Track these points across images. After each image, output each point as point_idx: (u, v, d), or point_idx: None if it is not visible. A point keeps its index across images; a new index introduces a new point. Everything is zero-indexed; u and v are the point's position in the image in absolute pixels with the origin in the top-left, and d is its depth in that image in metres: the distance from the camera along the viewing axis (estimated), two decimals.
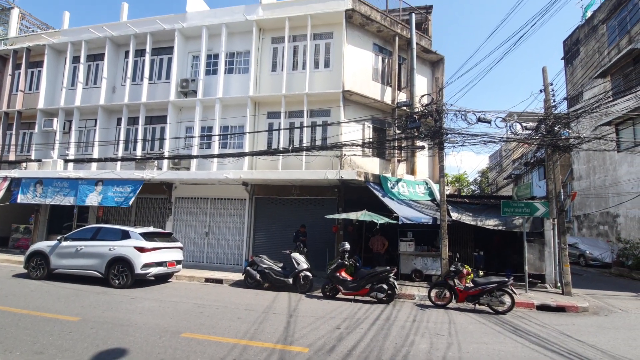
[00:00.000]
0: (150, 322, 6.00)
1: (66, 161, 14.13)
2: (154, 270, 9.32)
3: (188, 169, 13.26)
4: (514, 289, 7.88)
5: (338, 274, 8.71)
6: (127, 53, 15.12)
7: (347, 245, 9.06)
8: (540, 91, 10.48)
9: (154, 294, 8.53)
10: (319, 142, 12.66)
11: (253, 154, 12.43)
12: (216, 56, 14.01)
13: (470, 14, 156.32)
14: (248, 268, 9.89)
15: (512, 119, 10.36)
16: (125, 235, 9.49)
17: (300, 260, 9.57)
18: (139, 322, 5.97)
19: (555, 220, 10.46)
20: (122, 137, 14.41)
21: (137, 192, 12.89)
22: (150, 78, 14.69)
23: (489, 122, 9.72)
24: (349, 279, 8.67)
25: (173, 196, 14.24)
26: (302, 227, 12.06)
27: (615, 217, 18.19)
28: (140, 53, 14.89)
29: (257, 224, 13.43)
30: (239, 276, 10.53)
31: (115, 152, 14.44)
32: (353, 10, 12.46)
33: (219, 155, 12.57)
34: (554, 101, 10.37)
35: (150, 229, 10.29)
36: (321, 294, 8.95)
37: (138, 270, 8.95)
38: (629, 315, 7.90)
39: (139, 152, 14.00)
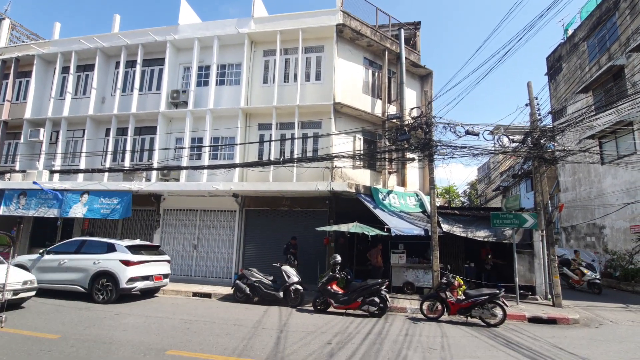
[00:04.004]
0: (134, 339, 5.77)
1: (52, 172, 13.82)
2: (139, 285, 9.05)
3: (177, 180, 13.09)
4: (505, 301, 7.86)
5: (329, 287, 8.58)
6: (117, 64, 15.05)
7: (339, 258, 8.96)
8: (526, 105, 10.74)
9: (139, 309, 8.25)
10: (310, 154, 12.66)
11: (244, 165, 12.36)
12: (207, 68, 14.04)
13: (457, 31, 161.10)
14: (237, 282, 9.68)
15: (500, 132, 10.54)
16: (111, 248, 9.24)
17: (291, 273, 9.42)
18: (122, 339, 5.74)
19: (544, 231, 10.56)
20: (110, 147, 14.18)
21: (129, 204, 12.67)
22: (141, 89, 14.60)
23: (477, 134, 9.86)
24: (340, 292, 8.54)
25: (161, 208, 13.99)
26: (292, 239, 11.93)
27: (601, 229, 18.50)
28: (131, 64, 14.83)
29: (247, 236, 13.25)
30: (228, 290, 10.30)
31: (103, 163, 14.19)
32: (344, 25, 12.68)
33: (209, 167, 12.46)
34: (539, 115, 10.62)
35: (137, 242, 10.05)
36: (312, 308, 8.79)
37: (123, 284, 8.68)
38: (619, 327, 7.93)
39: (127, 163, 13.78)
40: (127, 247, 9.23)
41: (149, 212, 14.18)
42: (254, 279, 9.51)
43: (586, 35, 19.36)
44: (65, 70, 15.33)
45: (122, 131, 14.42)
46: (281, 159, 11.56)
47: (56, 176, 13.90)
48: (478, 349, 5.93)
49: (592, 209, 18.72)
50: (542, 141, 10.11)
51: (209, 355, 5.13)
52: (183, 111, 13.61)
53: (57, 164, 14.28)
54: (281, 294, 9.24)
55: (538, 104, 10.67)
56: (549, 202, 10.85)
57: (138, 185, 12.75)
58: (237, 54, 13.75)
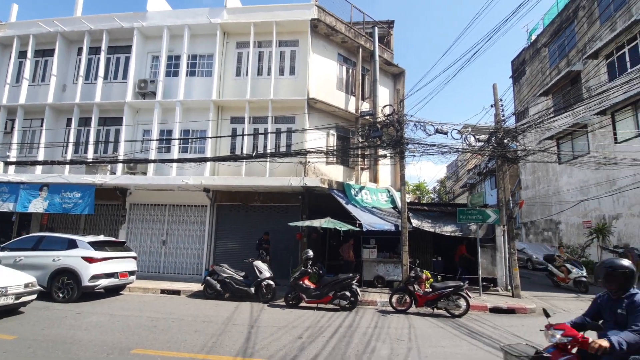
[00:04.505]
0: (97, 338, 5.55)
1: (6, 163, 12.89)
2: (103, 282, 8.68)
3: (145, 173, 12.61)
4: (469, 293, 8.25)
5: (301, 282, 8.64)
6: (80, 50, 14.21)
7: (311, 253, 9.03)
8: (491, 106, 11.23)
9: (103, 307, 7.93)
10: (283, 149, 12.61)
11: (215, 159, 12.11)
12: (177, 58, 13.56)
13: (428, 32, 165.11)
14: (208, 278, 9.52)
15: (467, 131, 10.97)
16: (72, 245, 8.79)
17: (263, 269, 9.38)
18: (84, 339, 5.51)
19: (505, 226, 11.14)
20: (72, 138, 13.41)
21: (92, 198, 12.08)
22: (106, 77, 13.89)
23: (445, 133, 10.22)
24: (312, 287, 8.62)
25: (127, 202, 13.45)
26: (265, 234, 11.87)
27: (557, 224, 19.77)
28: (95, 51, 14.04)
29: (218, 231, 13.03)
30: (198, 287, 10.10)
31: (64, 154, 13.40)
32: (318, 20, 12.65)
33: (179, 160, 12.08)
34: (504, 116, 11.15)
35: (101, 238, 9.62)
36: (284, 303, 8.81)
37: (86, 282, 8.30)
38: (570, 315, 8.53)
39: (90, 155, 13.10)
40: (89, 243, 8.82)
41: (114, 206, 13.59)
42: (225, 275, 9.39)
43: (548, 41, 20.47)
44: (22, 54, 14.27)
45: (84, 121, 13.66)
46: (254, 154, 11.43)
47: (11, 168, 12.99)
48: (443, 339, 6.20)
49: (549, 206, 19.96)
50: (505, 141, 10.63)
51: (177, 353, 5.03)
52: (151, 102, 13.09)
53: (13, 155, 13.34)
54: (253, 289, 9.19)
55: (502, 106, 11.19)
56: (511, 199, 11.45)
57: (102, 178, 12.17)
58: (209, 44, 13.37)
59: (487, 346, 5.77)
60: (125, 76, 13.76)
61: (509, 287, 10.82)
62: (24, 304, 6.98)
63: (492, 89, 11.44)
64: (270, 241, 11.92)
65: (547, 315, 3.10)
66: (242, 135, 12.63)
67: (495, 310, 8.82)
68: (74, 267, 8.39)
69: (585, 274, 11.70)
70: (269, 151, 12.17)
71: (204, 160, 11.95)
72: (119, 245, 9.94)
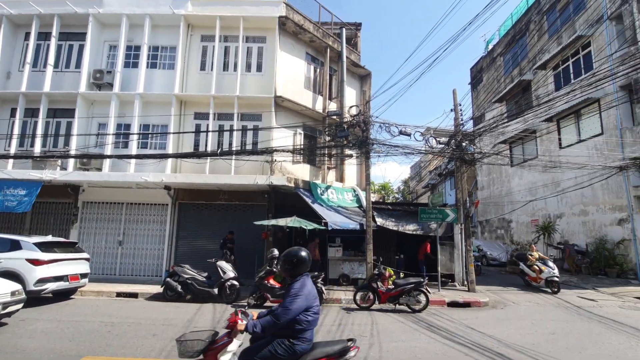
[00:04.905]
0: (43, 346, 5.16)
1: None
2: (51, 286, 8.08)
3: (99, 169, 11.88)
4: (428, 289, 8.60)
5: (266, 282, 8.56)
6: (27, 35, 13.06)
7: (276, 252, 8.96)
8: (451, 110, 11.79)
9: (51, 313, 7.38)
10: (249, 147, 12.41)
11: (177, 156, 11.64)
12: (137, 48, 12.89)
13: (394, 36, 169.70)
14: (168, 279, 9.15)
15: (429, 134, 11.42)
16: (15, 246, 8.10)
17: (227, 269, 9.19)
18: (28, 347, 5.10)
19: (463, 225, 11.74)
20: (17, 130, 12.30)
21: (35, 195, 11.14)
22: (56, 66, 12.90)
23: (409, 135, 10.58)
24: (277, 286, 8.57)
25: (80, 200, 12.60)
26: (229, 233, 11.63)
27: (509, 223, 21.14)
28: (44, 36, 12.98)
29: (180, 231, 12.57)
30: (158, 289, 9.68)
31: (7, 147, 12.26)
32: (286, 18, 12.58)
33: (138, 156, 11.49)
34: (462, 120, 11.73)
35: (49, 238, 8.94)
36: (248, 303, 8.68)
37: (31, 286, 7.68)
38: (519, 307, 9.17)
39: (37, 149, 12.09)
40: (35, 244, 8.16)
41: (65, 204, 12.68)
42: (187, 276, 9.09)
43: (503, 51, 21.80)
44: None
45: (31, 112, 12.58)
46: (219, 151, 11.14)
47: None
48: (403, 333, 6.42)
49: (502, 205, 21.29)
50: (463, 144, 11.20)
51: (132, 358, 4.80)
52: (108, 94, 12.34)
53: None
54: (216, 290, 8.97)
55: (461, 110, 11.77)
56: (468, 199, 12.08)
57: (51, 174, 11.30)
58: (172, 36, 12.84)
59: (444, 339, 6.06)
60: (78, 65, 12.85)
61: (465, 282, 11.40)
62: (10, 314, 6.31)
63: (452, 94, 12.02)
64: (235, 240, 11.70)
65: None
66: (207, 131, 12.26)
67: (453, 304, 9.27)
68: (18, 270, 7.73)
69: (557, 274, 11.05)
70: (234, 149, 11.91)
71: (165, 156, 11.45)
72: (70, 246, 9.29)
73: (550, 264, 11.42)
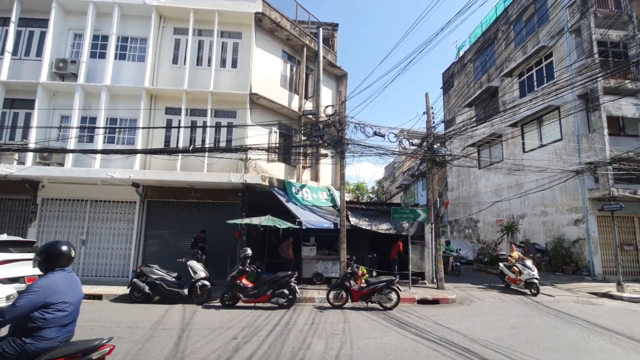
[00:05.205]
0: None
1: None
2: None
3: (61, 164, 11.23)
4: (399, 287, 8.81)
5: (238, 281, 8.44)
6: None
7: (249, 251, 8.86)
8: (424, 113, 12.13)
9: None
10: (223, 144, 12.18)
11: (147, 151, 11.23)
12: (105, 38, 12.30)
13: (370, 38, 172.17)
14: (135, 280, 8.82)
15: (403, 135, 11.69)
16: None
17: (198, 269, 8.97)
18: None
19: (433, 224, 12.11)
20: None
21: None
22: (15, 53, 12.06)
23: (383, 136, 10.77)
24: (249, 286, 8.47)
25: (39, 197, 11.86)
26: (201, 232, 11.36)
27: (476, 222, 22.03)
28: (2, 22, 12.14)
29: (149, 230, 12.13)
30: (124, 290, 9.29)
31: None
32: (263, 14, 12.44)
33: (104, 151, 10.96)
34: (434, 123, 12.10)
35: (4, 237, 8.34)
36: (220, 304, 8.52)
37: None
38: (484, 303, 9.59)
39: None
40: None
41: (22, 201, 11.90)
42: (155, 276, 8.79)
43: (473, 57, 22.66)
44: None
45: None
46: (191, 148, 10.84)
47: None
48: (374, 330, 6.54)
49: (470, 206, 22.15)
50: (435, 146, 11.54)
51: None
52: (72, 85, 11.68)
53: None
54: (186, 290, 8.74)
55: (433, 113, 12.13)
56: (438, 199, 12.47)
57: (7, 169, 10.56)
58: (143, 27, 12.35)
59: (413, 335, 6.23)
60: (40, 54, 12.08)
61: (435, 280, 11.77)
62: None
63: (425, 97, 12.35)
64: (207, 240, 11.45)
65: None
66: (178, 127, 11.90)
67: (423, 301, 9.55)
68: None
69: (536, 276, 10.59)
70: (207, 145, 11.63)
71: (133, 152, 11.01)
72: (27, 246, 8.70)
73: (530, 264, 10.93)
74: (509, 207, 18.48)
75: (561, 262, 14.50)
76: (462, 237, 23.65)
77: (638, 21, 14.12)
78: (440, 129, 15.81)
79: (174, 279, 8.95)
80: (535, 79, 16.92)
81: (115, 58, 12.21)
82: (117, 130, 12.20)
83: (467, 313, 8.32)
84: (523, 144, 17.53)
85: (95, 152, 10.86)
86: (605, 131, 13.21)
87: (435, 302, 9.56)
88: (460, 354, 5.23)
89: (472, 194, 22.07)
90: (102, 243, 11.93)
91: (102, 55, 12.26)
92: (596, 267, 13.56)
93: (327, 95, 15.25)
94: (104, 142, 11.73)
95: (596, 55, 13.28)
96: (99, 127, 11.47)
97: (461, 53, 24.38)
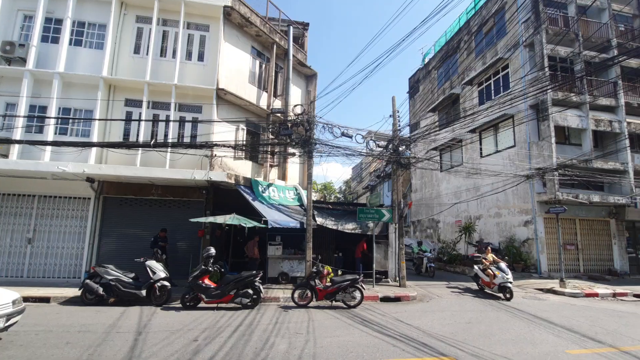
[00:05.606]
0: None
1: None
2: None
3: (6, 156, 10.32)
4: (363, 285, 9.00)
5: (201, 282, 8.20)
6: None
7: (212, 251, 8.64)
8: (390, 116, 12.46)
9: None
10: (187, 139, 11.77)
11: (104, 145, 10.58)
12: (59, 22, 11.46)
13: (339, 39, 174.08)
14: (87, 281, 8.29)
15: (370, 137, 11.94)
16: None
17: (157, 269, 8.61)
18: None
19: (397, 224, 12.48)
20: None
21: None
22: None
23: (350, 137, 10.94)
24: (212, 286, 8.26)
25: None
26: (162, 231, 10.91)
27: (437, 223, 22.98)
28: None
29: (104, 228, 11.47)
30: (75, 292, 8.71)
31: None
32: (232, 8, 12.17)
33: (55, 143, 10.17)
34: (400, 126, 12.46)
35: None
36: (180, 305, 8.24)
37: None
38: (442, 300, 10.03)
39: None
40: None
41: None
42: (110, 277, 8.32)
43: (437, 65, 23.60)
44: None
45: None
46: (152, 142, 10.36)
47: None
48: (338, 328, 6.63)
49: (432, 207, 23.07)
50: (400, 149, 11.90)
51: None
52: (19, 70, 10.77)
53: None
54: (144, 292, 8.35)
55: (399, 117, 12.49)
56: (402, 200, 12.87)
57: None
58: (102, 12, 11.65)
59: (375, 332, 6.40)
60: None
61: (397, 278, 12.14)
62: (10, 326, 5.38)
63: (392, 101, 12.69)
64: (168, 239, 11.03)
65: None
66: (139, 120, 11.33)
67: (385, 299, 9.81)
68: None
69: (511, 279, 10.05)
70: (170, 140, 11.19)
71: (89, 145, 10.33)
72: None
73: (504, 267, 10.37)
74: (467, 208, 19.46)
75: (512, 261, 15.49)
76: (424, 236, 24.56)
77: (583, 39, 15.42)
78: (406, 132, 16.33)
79: (131, 280, 8.53)
80: (493, 88, 17.94)
81: (70, 44, 11.42)
82: (70, 121, 11.40)
83: (426, 309, 8.67)
84: (481, 149, 18.54)
85: (45, 143, 10.06)
86: (553, 140, 14.30)
87: (397, 299, 9.86)
88: (419, 349, 5.44)
89: (434, 195, 22.99)
90: (51, 242, 11.11)
91: (56, 40, 11.41)
92: (543, 265, 14.64)
93: (296, 94, 15.22)
94: (56, 134, 10.95)
95: (547, 69, 14.34)
96: (50, 117, 10.67)
97: (427, 60, 25.31)
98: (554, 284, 12.28)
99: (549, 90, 13.64)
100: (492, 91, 17.89)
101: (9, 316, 5.29)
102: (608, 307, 9.52)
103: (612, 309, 9.26)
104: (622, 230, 15.83)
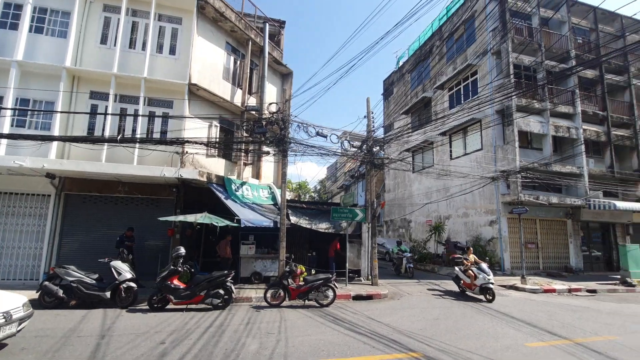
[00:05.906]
0: None
1: None
2: None
3: None
4: (336, 284, 9.07)
5: (169, 282, 7.95)
6: None
7: (182, 250, 8.40)
8: (364, 117, 12.64)
9: None
10: (157, 135, 11.37)
11: (66, 139, 10.01)
12: (19, 7, 10.73)
13: (316, 39, 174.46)
14: (46, 283, 7.83)
15: (344, 137, 12.05)
16: None
17: (123, 270, 8.26)
18: None
19: (370, 224, 12.67)
20: None
21: None
22: None
23: (325, 136, 10.99)
24: (181, 287, 8.04)
25: None
26: (128, 230, 10.48)
27: (409, 222, 23.55)
28: None
29: (66, 227, 10.86)
30: (33, 294, 8.17)
31: None
32: (206, 2, 11.89)
33: (11, 136, 9.48)
34: (374, 127, 12.67)
35: None
36: (147, 307, 7.95)
37: None
38: (412, 297, 10.30)
39: None
40: None
41: None
42: (71, 279, 7.90)
43: (410, 68, 24.18)
44: None
45: None
46: (119, 137, 9.92)
47: None
48: (310, 327, 6.65)
49: (404, 207, 23.62)
50: (374, 149, 12.09)
51: None
52: None
53: None
54: (108, 293, 7.99)
55: (373, 118, 12.70)
56: (375, 200, 13.09)
57: None
58: None
59: (347, 330, 6.47)
60: None
61: (370, 277, 12.34)
62: (20, 331, 5.13)
63: (366, 102, 12.87)
64: (136, 238, 10.61)
65: None
66: (105, 114, 10.81)
67: (357, 297, 9.95)
68: None
69: (492, 280, 9.80)
70: (139, 136, 10.76)
71: (49, 139, 9.72)
72: None
73: (485, 268, 10.11)
74: (438, 208, 20.09)
75: (478, 259, 16.17)
76: (396, 236, 25.10)
77: (545, 49, 16.34)
78: (380, 133, 16.62)
79: (94, 281, 8.13)
80: (462, 93, 18.62)
81: (30, 31, 10.73)
82: (29, 112, 10.70)
83: (396, 307, 8.87)
84: (451, 151, 19.19)
85: (0, 136, 9.39)
86: (517, 144, 15.06)
87: (369, 297, 10.02)
88: (389, 346, 5.57)
89: (407, 195, 23.55)
90: (6, 241, 10.39)
91: (14, 27, 10.68)
92: (506, 263, 15.38)
93: (271, 92, 15.08)
94: (12, 126, 10.25)
95: (512, 76, 15.07)
96: (6, 108, 9.95)
97: (401, 63, 25.86)
98: (516, 280, 12.94)
99: (514, 97, 14.34)
100: (462, 96, 18.57)
101: (21, 320, 5.11)
102: (564, 302, 10.15)
103: (567, 303, 9.89)
104: (578, 230, 16.94)
